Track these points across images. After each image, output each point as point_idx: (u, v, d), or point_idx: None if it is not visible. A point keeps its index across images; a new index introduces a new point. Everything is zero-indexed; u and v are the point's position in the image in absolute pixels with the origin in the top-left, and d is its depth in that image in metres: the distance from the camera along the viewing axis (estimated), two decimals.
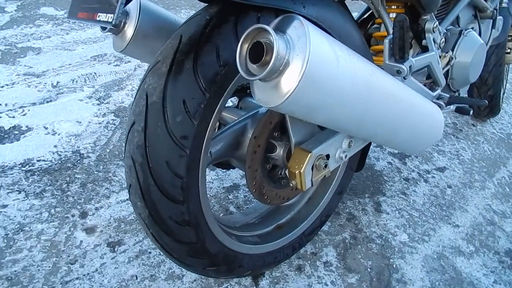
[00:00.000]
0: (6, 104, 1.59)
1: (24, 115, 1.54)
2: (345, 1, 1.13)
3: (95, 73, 1.90)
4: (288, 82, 0.58)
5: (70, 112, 1.60)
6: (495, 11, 1.38)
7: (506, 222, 1.38)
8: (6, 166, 1.30)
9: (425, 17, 1.07)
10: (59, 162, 1.34)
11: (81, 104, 1.66)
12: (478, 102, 1.17)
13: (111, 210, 1.19)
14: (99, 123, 1.56)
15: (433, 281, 1.12)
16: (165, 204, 0.74)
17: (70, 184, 1.26)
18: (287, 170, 0.88)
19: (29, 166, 1.31)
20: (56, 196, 1.21)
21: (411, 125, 0.89)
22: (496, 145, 1.80)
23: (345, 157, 0.93)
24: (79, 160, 1.37)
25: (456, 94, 1.32)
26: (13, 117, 1.52)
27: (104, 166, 1.35)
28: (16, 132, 1.45)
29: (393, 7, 1.08)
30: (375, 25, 1.24)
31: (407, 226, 1.29)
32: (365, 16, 1.27)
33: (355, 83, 0.67)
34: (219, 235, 0.84)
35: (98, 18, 0.67)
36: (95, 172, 1.32)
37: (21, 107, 1.59)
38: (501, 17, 1.46)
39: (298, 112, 0.64)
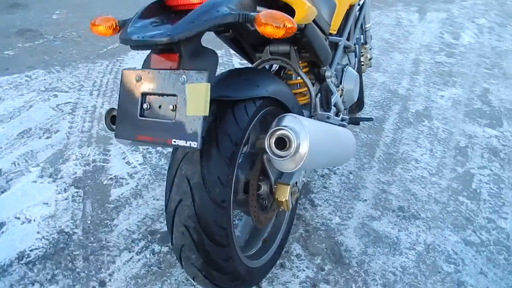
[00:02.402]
0: None
1: None
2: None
3: (31, 150, 1.91)
4: (300, 156, 0.92)
5: (31, 196, 1.64)
6: (354, 44, 1.89)
7: (391, 187, 1.93)
8: (4, 265, 1.35)
9: (324, 68, 1.49)
10: (51, 245, 1.43)
11: (37, 185, 1.71)
12: (367, 119, 1.66)
13: (123, 272, 1.36)
14: (66, 199, 1.65)
15: (365, 243, 1.57)
16: (217, 251, 1.01)
17: (74, 262, 1.38)
18: (273, 200, 1.21)
19: (26, 258, 1.37)
20: (69, 276, 1.32)
21: (343, 149, 1.30)
22: (368, 132, 2.38)
23: (306, 180, 1.30)
24: (68, 238, 1.47)
25: (345, 109, 1.81)
26: None
27: (94, 237, 1.49)
28: None
29: (300, 62, 1.48)
30: (287, 74, 1.62)
31: (336, 211, 1.73)
32: (276, 69, 1.64)
33: (323, 138, 1.04)
34: (243, 259, 1.14)
35: (174, 143, 0.88)
36: (89, 245, 1.45)
37: None
38: (357, 45, 1.99)
39: (301, 168, 0.99)
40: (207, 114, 0.86)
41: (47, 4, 4.30)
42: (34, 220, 1.53)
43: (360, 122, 1.67)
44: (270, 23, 0.86)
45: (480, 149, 2.30)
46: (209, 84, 0.86)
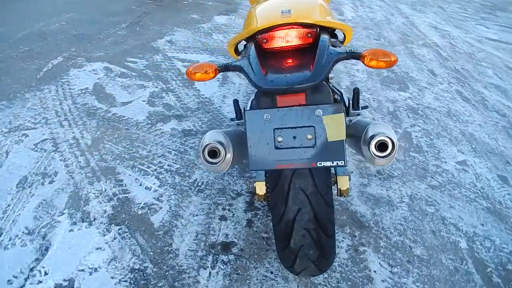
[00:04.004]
0: (16, 277, 1.41)
1: (47, 274, 1.44)
2: None
3: (44, 200, 1.75)
4: (394, 154, 1.08)
5: (79, 246, 1.56)
6: None
7: None
8: None
9: None
10: (133, 285, 1.43)
11: (76, 233, 1.61)
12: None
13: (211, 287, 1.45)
14: (115, 238, 1.61)
15: (371, 206, 1.90)
16: (327, 242, 1.20)
17: None
18: (338, 190, 1.40)
19: None
20: None
21: None
22: None
23: None
24: (143, 274, 1.48)
25: None
26: (41, 281, 1.41)
27: (166, 266, 1.52)
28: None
29: None
30: None
31: None
32: None
33: None
34: None
35: (320, 165, 1.00)
36: (167, 273, 1.49)
37: (31, 269, 1.45)
38: None
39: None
40: (345, 137, 1.02)
41: None
42: (100, 267, 1.49)
43: None
44: (377, 59, 1.03)
45: (404, 111, 2.81)
46: (344, 114, 1.01)
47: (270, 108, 1.06)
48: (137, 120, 2.44)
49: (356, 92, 1.48)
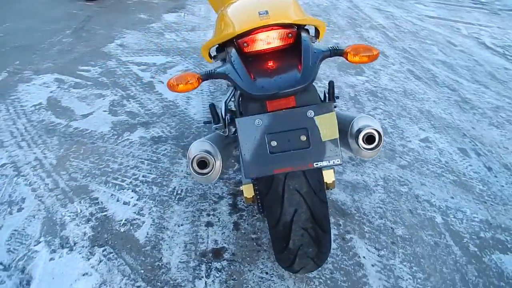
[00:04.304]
0: None
1: None
2: None
3: (15, 230, 1.61)
4: (381, 146, 1.12)
5: (64, 274, 1.46)
6: None
7: None
8: None
9: None
10: None
11: (58, 262, 1.50)
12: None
13: None
14: (100, 261, 1.52)
15: (349, 193, 1.95)
16: (324, 237, 1.21)
17: None
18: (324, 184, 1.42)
19: None
20: None
21: None
22: None
23: None
24: None
25: None
26: None
27: (159, 282, 1.47)
28: None
29: None
30: None
31: None
32: None
33: None
34: None
35: (316, 165, 0.99)
36: None
37: None
38: None
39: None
40: (338, 135, 1.02)
41: None
42: None
43: None
44: (360, 54, 1.04)
45: (364, 95, 2.89)
46: (335, 112, 1.01)
47: (260, 113, 1.04)
48: (102, 132, 2.31)
49: (331, 85, 1.49)
